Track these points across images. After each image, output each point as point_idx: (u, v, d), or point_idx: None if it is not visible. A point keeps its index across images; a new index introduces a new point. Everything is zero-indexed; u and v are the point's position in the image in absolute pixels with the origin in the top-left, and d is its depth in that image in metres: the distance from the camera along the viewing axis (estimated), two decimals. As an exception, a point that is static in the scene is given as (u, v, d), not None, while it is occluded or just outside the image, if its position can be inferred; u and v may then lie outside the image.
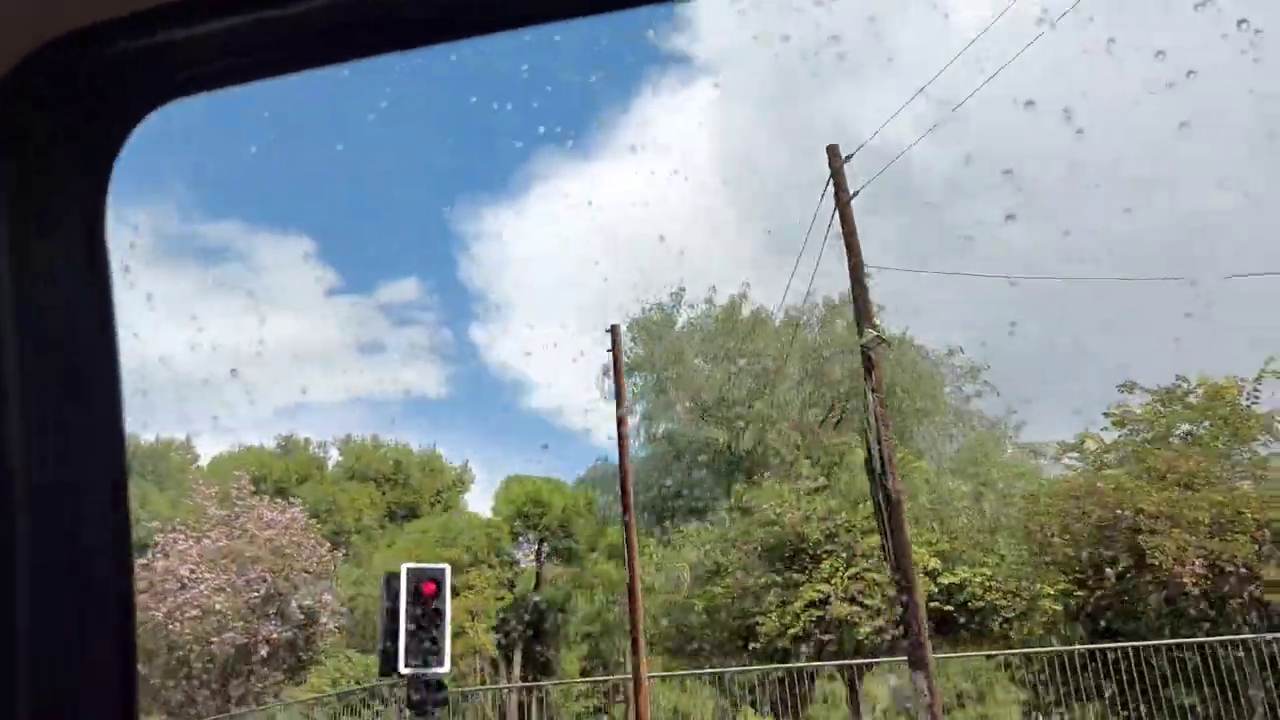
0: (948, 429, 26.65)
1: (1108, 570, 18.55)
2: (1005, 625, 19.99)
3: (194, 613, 32.36)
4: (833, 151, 16.30)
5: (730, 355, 27.34)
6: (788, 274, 28.21)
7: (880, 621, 18.77)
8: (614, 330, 20.65)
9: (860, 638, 18.79)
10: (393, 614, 16.96)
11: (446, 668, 16.43)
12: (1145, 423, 23.71)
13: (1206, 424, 22.44)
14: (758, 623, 19.64)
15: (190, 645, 32.89)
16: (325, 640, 35.00)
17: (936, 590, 19.45)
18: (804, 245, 16.42)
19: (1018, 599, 19.96)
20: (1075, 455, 23.70)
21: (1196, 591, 17.96)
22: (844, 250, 15.25)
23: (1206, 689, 17.01)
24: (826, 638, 19.06)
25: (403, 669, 16.19)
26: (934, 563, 19.50)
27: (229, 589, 33.04)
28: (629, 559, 18.64)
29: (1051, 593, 19.63)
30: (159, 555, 32.41)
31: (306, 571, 34.78)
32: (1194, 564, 18.16)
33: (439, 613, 17.03)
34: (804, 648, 19.15)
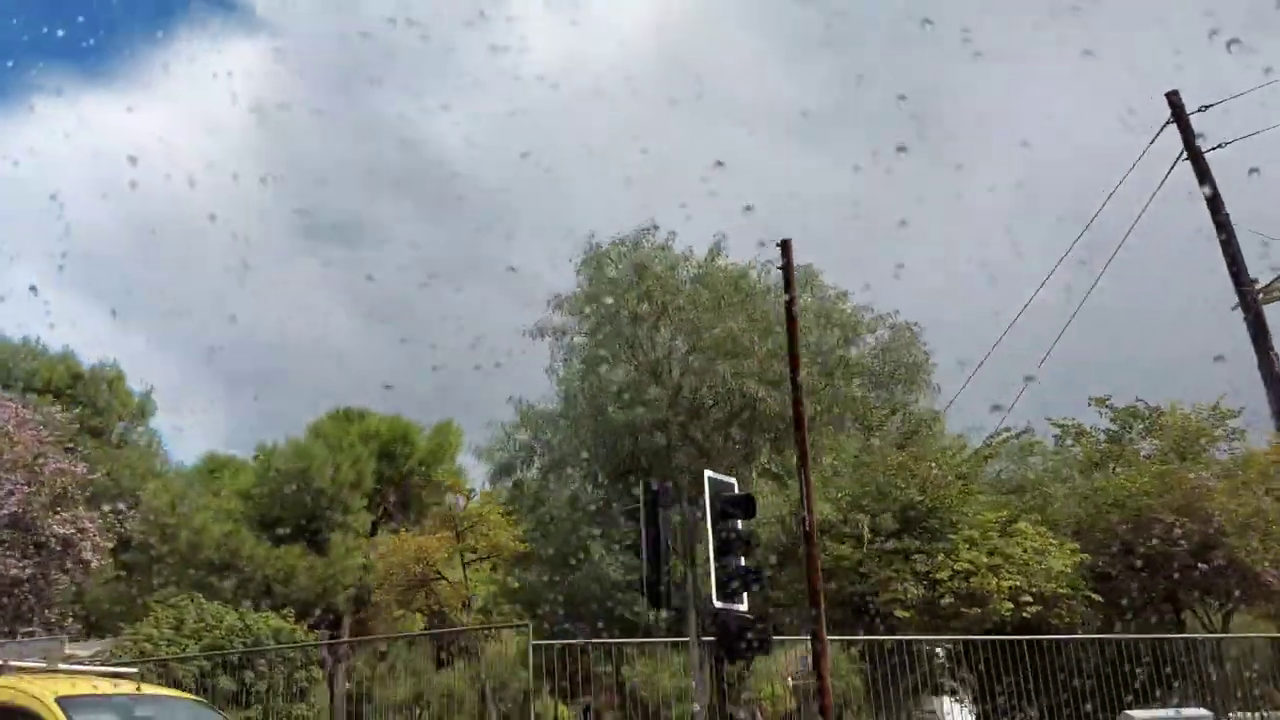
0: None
1: (1200, 565, 19.50)
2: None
3: (-65, 528, 23.42)
4: (1173, 99, 15.48)
5: (720, 306, 25.12)
6: (328, 265, 26.29)
7: (1024, 596, 18.02)
8: (785, 245, 17.86)
9: (1006, 614, 17.87)
10: (657, 541, 13.69)
11: (746, 605, 13.93)
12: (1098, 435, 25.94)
13: (1156, 442, 24.91)
14: (890, 588, 17.99)
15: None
16: (81, 578, 27.18)
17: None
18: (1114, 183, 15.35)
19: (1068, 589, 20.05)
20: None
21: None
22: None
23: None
24: (973, 611, 17.90)
25: (716, 603, 13.34)
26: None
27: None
28: (806, 500, 16.07)
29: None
30: None
31: (63, 491, 26.78)
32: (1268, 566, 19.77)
33: (746, 534, 14.23)
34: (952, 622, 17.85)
